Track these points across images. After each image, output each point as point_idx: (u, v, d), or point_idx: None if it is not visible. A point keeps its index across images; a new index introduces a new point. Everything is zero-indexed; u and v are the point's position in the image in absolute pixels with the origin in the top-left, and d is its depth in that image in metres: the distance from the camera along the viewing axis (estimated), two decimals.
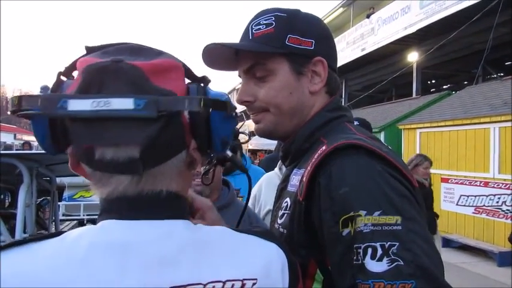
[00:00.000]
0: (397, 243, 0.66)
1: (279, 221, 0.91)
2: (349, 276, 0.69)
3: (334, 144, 0.78)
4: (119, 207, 0.61)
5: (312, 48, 0.92)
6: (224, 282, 0.59)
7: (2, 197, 4.06)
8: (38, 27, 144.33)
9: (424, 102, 11.36)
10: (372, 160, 0.76)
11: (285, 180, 0.98)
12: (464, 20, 9.53)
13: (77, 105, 0.55)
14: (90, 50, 0.65)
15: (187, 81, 0.67)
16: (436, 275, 0.65)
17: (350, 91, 17.40)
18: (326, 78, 0.94)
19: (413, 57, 12.74)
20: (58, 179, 4.40)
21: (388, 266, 0.65)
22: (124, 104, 0.55)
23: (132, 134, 0.56)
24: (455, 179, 7.53)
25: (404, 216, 0.69)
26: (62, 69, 0.64)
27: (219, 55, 0.95)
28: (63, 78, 0.64)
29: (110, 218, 0.60)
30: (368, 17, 14.24)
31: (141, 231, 0.58)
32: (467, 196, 7.21)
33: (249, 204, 2.37)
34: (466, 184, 7.25)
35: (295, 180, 0.90)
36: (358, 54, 14.53)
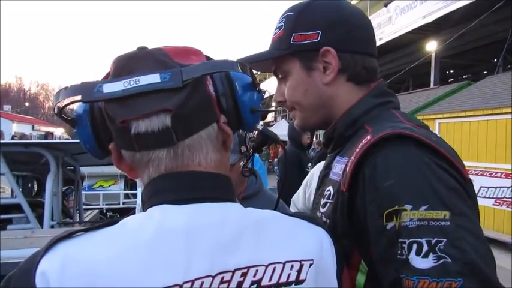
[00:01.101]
0: (445, 240, 0.64)
1: (322, 210, 0.91)
2: (393, 270, 0.68)
3: (379, 133, 0.76)
4: (169, 188, 0.63)
5: (318, 40, 0.91)
6: (284, 264, 0.61)
7: (29, 185, 4.13)
8: (54, 21, 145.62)
9: (443, 92, 11.18)
10: (419, 151, 0.73)
11: (327, 167, 0.97)
12: (485, 8, 9.32)
13: (111, 87, 0.60)
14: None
15: None
16: (485, 273, 0.63)
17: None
18: (338, 66, 0.91)
19: (431, 46, 12.53)
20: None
21: (435, 262, 0.64)
22: (151, 79, 0.60)
23: (162, 103, 0.59)
24: (475, 171, 7.42)
25: (453, 211, 0.67)
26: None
27: (257, 63, 1.01)
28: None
29: (164, 201, 0.61)
30: (386, 5, 14.01)
31: (202, 216, 0.60)
32: (488, 188, 7.11)
33: (301, 188, 2.40)
34: (486, 175, 7.14)
35: (337, 168, 0.89)
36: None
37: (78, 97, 0.61)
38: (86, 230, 0.59)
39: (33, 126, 34.84)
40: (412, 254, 0.66)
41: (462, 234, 0.65)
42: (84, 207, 6.72)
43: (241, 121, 0.71)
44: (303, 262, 0.62)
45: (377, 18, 14.48)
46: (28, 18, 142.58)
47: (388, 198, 0.71)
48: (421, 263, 0.65)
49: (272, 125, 22.69)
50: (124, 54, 0.64)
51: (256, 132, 0.87)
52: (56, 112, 0.64)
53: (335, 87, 0.94)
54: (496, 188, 6.95)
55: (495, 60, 12.53)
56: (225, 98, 0.68)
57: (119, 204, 6.69)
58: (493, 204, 6.99)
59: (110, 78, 0.63)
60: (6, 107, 45.59)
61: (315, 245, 0.66)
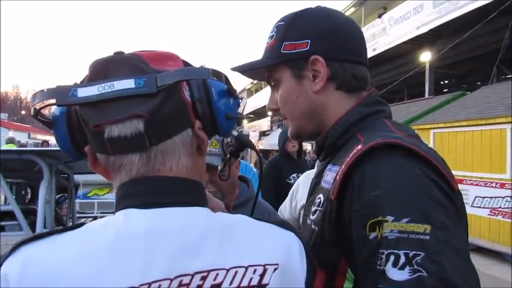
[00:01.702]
0: (423, 254, 0.63)
1: (312, 217, 0.91)
2: (372, 279, 0.68)
3: (370, 143, 0.76)
4: (138, 193, 0.63)
5: (307, 48, 0.92)
6: (246, 268, 0.61)
7: (22, 192, 4.11)
8: (51, 29, 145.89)
9: (438, 102, 11.26)
10: (409, 161, 0.73)
11: (319, 176, 0.97)
12: (478, 19, 9.45)
13: (85, 91, 0.60)
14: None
15: None
16: None
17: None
18: (326, 74, 0.91)
19: (425, 57, 12.65)
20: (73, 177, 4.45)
21: (410, 275, 0.63)
22: (126, 84, 0.60)
23: (135, 108, 0.60)
24: (470, 180, 7.44)
25: (434, 225, 0.66)
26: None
27: (251, 71, 1.03)
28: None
29: (131, 205, 0.62)
30: (380, 16, 14.17)
31: (164, 220, 0.61)
32: (483, 198, 7.13)
33: (287, 198, 2.40)
34: (481, 185, 7.17)
35: (329, 176, 0.89)
36: (369, 54, 14.28)
37: (53, 100, 0.62)
38: (50, 233, 0.60)
39: (29, 135, 34.83)
40: (389, 265, 0.65)
41: (441, 249, 0.64)
42: (78, 215, 6.72)
43: (216, 127, 0.72)
44: (267, 266, 0.62)
45: (371, 29, 14.63)
46: (25, 27, 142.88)
47: (372, 208, 0.71)
48: (397, 274, 0.64)
49: (268, 134, 22.72)
50: (100, 59, 0.65)
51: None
52: (32, 114, 0.65)
53: (325, 96, 0.94)
54: (491, 198, 6.97)
55: (489, 70, 12.63)
56: (200, 104, 0.69)
57: (113, 212, 6.64)
58: (488, 214, 7.01)
59: (86, 82, 0.63)
60: (3, 115, 45.53)
61: (282, 250, 0.65)
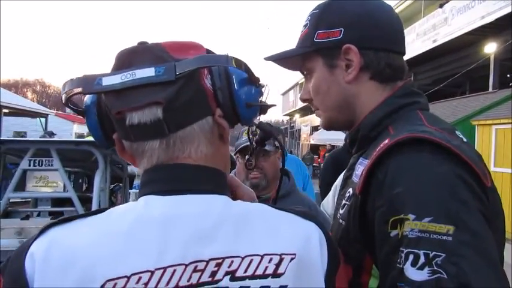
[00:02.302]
0: (444, 255, 0.62)
1: (341, 211, 0.90)
2: (391, 277, 0.67)
3: (396, 138, 0.75)
4: (158, 179, 0.66)
5: (340, 37, 0.90)
6: (262, 256, 0.61)
7: (80, 181, 4.37)
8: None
9: (502, 96, 10.56)
10: (435, 157, 0.71)
11: (351, 169, 0.96)
12: None
13: (110, 80, 0.64)
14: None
15: None
16: None
17: (419, 85, 16.62)
18: (360, 63, 0.89)
19: (490, 48, 11.87)
20: (129, 168, 4.66)
21: (429, 276, 0.62)
22: (146, 72, 0.63)
23: (153, 96, 0.63)
24: None
25: (458, 226, 0.64)
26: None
27: (285, 60, 1.02)
28: None
29: (152, 192, 0.65)
30: (441, 6, 13.46)
31: (181, 206, 0.63)
32: None
33: (330, 193, 2.38)
34: None
35: (359, 170, 0.87)
36: (429, 46, 13.82)
37: (80, 89, 0.66)
38: (76, 217, 0.64)
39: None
40: (408, 264, 0.65)
41: (464, 252, 0.62)
42: None
43: (237, 115, 0.72)
44: (283, 256, 0.62)
45: (432, 20, 13.97)
46: (97, 22, 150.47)
47: (394, 205, 0.70)
48: (415, 274, 0.63)
49: (319, 129, 22.46)
50: (126, 49, 0.68)
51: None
52: (63, 102, 0.69)
53: (357, 86, 0.92)
54: None
55: None
56: (221, 92, 0.70)
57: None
58: None
59: (111, 71, 0.66)
60: (68, 109, 48.22)
61: (300, 240, 0.65)
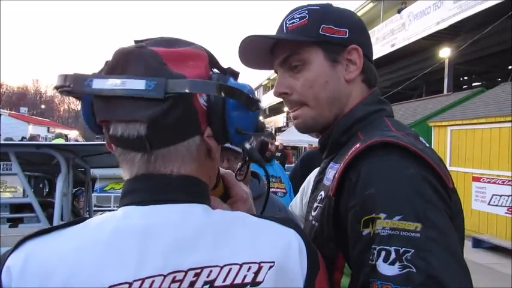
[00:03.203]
0: (412, 250, 0.66)
1: (313, 214, 0.93)
2: (363, 273, 0.70)
3: (367, 142, 0.78)
4: (138, 190, 0.65)
5: (346, 36, 0.93)
6: (241, 265, 0.61)
7: (40, 185, 4.22)
8: (72, 25, 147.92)
9: (456, 99, 11.06)
10: (403, 160, 0.75)
11: (322, 173, 0.99)
12: (499, 14, 9.22)
13: (100, 84, 0.62)
14: (136, 42, 0.71)
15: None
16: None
17: (378, 88, 17.05)
18: (362, 66, 0.95)
19: (445, 53, 12.41)
20: (91, 171, 4.54)
21: (400, 271, 0.65)
22: (137, 84, 0.60)
23: (140, 112, 0.61)
24: (487, 178, 7.32)
25: (425, 223, 0.68)
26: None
27: (254, 52, 0.98)
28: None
29: (131, 202, 0.64)
30: (399, 12, 13.94)
31: (160, 216, 0.62)
32: (500, 196, 7.00)
33: (298, 195, 2.41)
34: (498, 183, 7.04)
35: (330, 174, 0.91)
36: (387, 50, 14.26)
37: (70, 87, 0.64)
38: (53, 229, 0.63)
39: (48, 129, 35.44)
40: (380, 261, 0.68)
41: (430, 247, 0.66)
42: (95, 208, 6.85)
43: (227, 138, 0.71)
44: (262, 264, 0.61)
45: (390, 25, 14.42)
46: (46, 22, 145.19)
47: (366, 205, 0.73)
48: (387, 269, 0.67)
49: (284, 130, 22.67)
50: (122, 50, 0.65)
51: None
52: (58, 91, 0.67)
53: (352, 86, 0.96)
54: (509, 196, 6.84)
55: (510, 67, 12.35)
56: (214, 112, 0.68)
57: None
58: (506, 213, 6.88)
59: (104, 72, 0.65)
60: (23, 109, 46.40)
61: (279, 247, 0.65)
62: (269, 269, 0.62)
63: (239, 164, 0.94)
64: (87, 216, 3.67)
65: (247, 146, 0.81)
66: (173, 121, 0.63)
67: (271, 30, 1.02)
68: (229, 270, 0.60)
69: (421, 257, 0.65)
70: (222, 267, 0.60)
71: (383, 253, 0.68)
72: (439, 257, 0.65)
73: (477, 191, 7.52)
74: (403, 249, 0.66)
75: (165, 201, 0.64)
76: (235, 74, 0.72)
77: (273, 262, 0.62)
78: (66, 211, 3.49)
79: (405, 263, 0.65)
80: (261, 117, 0.77)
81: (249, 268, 0.61)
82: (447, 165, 7.55)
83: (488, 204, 7.21)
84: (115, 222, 0.61)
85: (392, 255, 0.67)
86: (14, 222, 3.51)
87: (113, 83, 0.61)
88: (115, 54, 0.65)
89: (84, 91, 0.63)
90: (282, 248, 0.65)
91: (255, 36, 0.93)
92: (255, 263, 0.61)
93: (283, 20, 0.97)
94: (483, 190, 7.39)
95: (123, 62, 0.63)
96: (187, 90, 0.61)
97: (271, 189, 3.12)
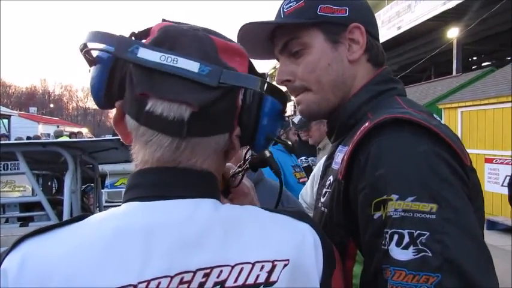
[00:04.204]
0: (428, 233, 0.62)
1: (322, 200, 0.89)
2: (376, 259, 0.67)
3: (376, 120, 0.74)
4: (142, 184, 0.61)
5: (347, 15, 0.88)
6: (253, 264, 0.57)
7: (49, 183, 4.23)
8: (77, 24, 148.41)
9: (466, 80, 10.91)
10: (416, 137, 0.70)
11: (330, 157, 0.95)
12: None
13: (147, 54, 0.58)
14: (165, 21, 0.67)
15: None
16: (468, 272, 0.60)
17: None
18: (365, 44, 0.89)
19: (453, 33, 12.21)
20: (100, 167, 4.55)
21: (414, 255, 0.62)
22: (190, 65, 0.58)
23: (189, 95, 0.57)
24: (500, 159, 7.22)
25: (441, 204, 0.64)
26: (136, 31, 0.67)
27: (253, 42, 0.94)
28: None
29: (134, 197, 0.60)
30: None
31: (164, 213, 0.58)
32: None
33: (308, 183, 2.38)
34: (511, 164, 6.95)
35: (339, 157, 0.87)
36: (394, 33, 14.07)
37: (111, 48, 0.60)
38: (52, 227, 0.59)
39: (58, 127, 35.75)
40: (392, 245, 0.64)
41: (448, 229, 0.62)
42: (107, 204, 6.91)
43: (253, 141, 0.68)
44: (276, 262, 0.58)
45: (395, 7, 14.21)
46: (52, 21, 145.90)
47: (377, 187, 0.69)
48: (400, 254, 0.63)
49: (292, 118, 22.61)
50: (173, 26, 0.62)
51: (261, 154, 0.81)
52: (80, 48, 0.63)
53: (357, 67, 0.91)
54: None
55: None
56: (248, 114, 0.65)
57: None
58: None
59: (149, 42, 0.60)
60: (32, 109, 46.89)
61: (293, 244, 0.61)
62: (283, 268, 0.58)
63: (234, 170, 0.86)
64: (98, 212, 3.73)
65: (267, 153, 0.77)
66: (218, 112, 0.60)
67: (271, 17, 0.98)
68: (241, 269, 0.56)
69: (437, 240, 0.61)
70: (233, 267, 0.56)
71: (396, 237, 0.64)
72: (457, 240, 0.62)
73: (490, 172, 7.42)
74: (418, 232, 0.63)
75: (171, 196, 0.60)
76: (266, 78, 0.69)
77: (288, 260, 0.58)
78: (75, 208, 3.50)
79: (420, 246, 0.62)
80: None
81: (262, 267, 0.57)
82: None
83: (502, 185, 7.11)
84: (116, 221, 0.58)
85: (406, 239, 0.63)
86: (24, 221, 3.54)
87: (163, 57, 0.58)
88: (164, 29, 0.61)
89: (128, 58, 0.59)
90: (296, 245, 0.61)
91: (250, 24, 0.89)
92: (268, 261, 0.58)
93: (281, 5, 0.93)
94: (496, 171, 7.29)
95: (173, 38, 0.60)
96: (243, 86, 0.60)
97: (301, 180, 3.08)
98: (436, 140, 0.70)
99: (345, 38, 0.89)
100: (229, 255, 0.57)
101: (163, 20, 0.67)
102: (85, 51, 0.63)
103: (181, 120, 0.58)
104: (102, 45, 0.62)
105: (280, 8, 0.93)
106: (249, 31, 0.91)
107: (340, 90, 0.91)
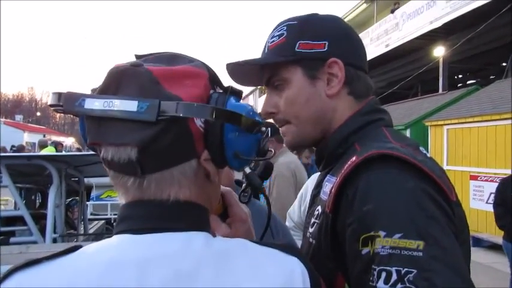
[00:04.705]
0: (415, 271, 0.61)
1: (310, 230, 0.89)
2: None
3: (364, 155, 0.74)
4: (133, 217, 0.61)
5: (325, 49, 0.89)
6: None
7: (32, 197, 4.16)
8: (65, 32, 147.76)
9: (451, 97, 11.08)
10: (402, 174, 0.71)
11: (318, 186, 0.95)
12: (492, 12, 9.25)
13: (92, 104, 0.59)
14: (137, 57, 0.68)
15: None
16: None
17: (374, 88, 17.09)
18: (343, 79, 0.89)
19: (439, 51, 12.44)
20: (86, 179, 4.49)
21: None
22: (129, 106, 0.57)
23: (131, 136, 0.57)
24: (484, 177, 7.32)
25: (427, 241, 0.63)
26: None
27: (244, 73, 0.97)
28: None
29: (126, 230, 0.60)
30: (392, 12, 13.97)
31: (157, 246, 0.58)
32: None
33: (296, 201, 2.36)
34: (496, 181, 6.99)
35: (327, 187, 0.86)
36: (382, 50, 14.29)
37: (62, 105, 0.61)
38: (45, 259, 0.58)
39: (44, 136, 35.36)
40: (380, 282, 0.63)
41: (434, 267, 0.62)
42: (92, 217, 6.81)
43: (225, 162, 0.67)
44: None
45: (384, 25, 14.46)
46: (39, 29, 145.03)
47: (364, 223, 0.69)
48: None
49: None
50: (116, 68, 0.62)
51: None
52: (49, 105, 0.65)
53: (336, 101, 0.91)
54: None
55: (504, 64, 12.38)
56: (212, 135, 0.64)
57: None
58: None
59: (97, 91, 0.61)
60: (18, 117, 46.34)
61: (282, 277, 0.61)
62: None
63: (243, 186, 0.86)
64: (82, 226, 3.64)
65: (247, 170, 0.75)
66: (165, 145, 0.59)
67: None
68: None
69: (424, 278, 0.61)
70: None
71: (383, 274, 0.63)
72: (444, 277, 0.61)
73: (475, 189, 7.51)
74: (405, 269, 0.62)
75: (162, 229, 0.60)
76: (237, 93, 0.68)
77: None
78: (59, 223, 3.45)
79: (407, 284, 0.61)
80: (266, 139, 0.72)
81: None
82: (444, 165, 7.62)
83: (486, 202, 7.20)
84: (109, 253, 0.57)
85: (394, 276, 0.62)
86: (5, 236, 3.46)
87: (105, 103, 0.58)
88: (109, 72, 0.61)
89: (75, 111, 0.60)
90: (285, 278, 0.61)
91: (234, 64, 0.93)
92: None
93: (267, 39, 0.95)
94: (481, 188, 7.39)
95: (116, 81, 0.60)
96: (180, 114, 0.57)
97: None
98: (422, 177, 0.71)
99: (324, 73, 0.90)
100: (223, 286, 0.57)
101: (136, 56, 0.68)
102: (55, 110, 0.65)
103: (131, 161, 0.58)
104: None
105: (266, 40, 0.95)
106: (237, 68, 0.94)
107: (319, 124, 0.92)
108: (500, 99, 7.95)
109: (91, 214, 6.95)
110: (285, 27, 0.92)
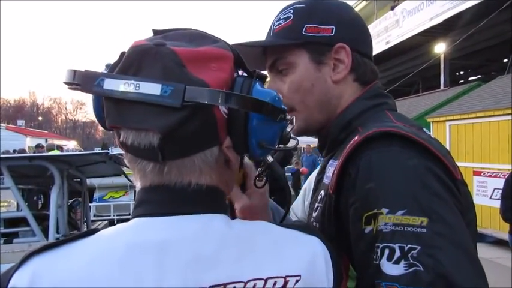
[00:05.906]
0: (419, 247, 0.61)
1: (314, 214, 0.89)
2: (368, 275, 0.66)
3: (365, 133, 0.73)
4: (152, 201, 0.60)
5: (332, 34, 0.88)
6: (265, 280, 0.56)
7: (35, 198, 4.17)
8: (67, 37, 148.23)
9: (453, 93, 11.07)
10: (405, 151, 0.70)
11: (322, 172, 0.94)
12: (493, 8, 9.22)
13: (111, 84, 0.56)
14: (155, 33, 0.65)
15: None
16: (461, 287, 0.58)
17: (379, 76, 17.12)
18: (350, 65, 0.88)
19: (440, 48, 12.41)
20: (88, 181, 4.50)
21: (405, 270, 0.60)
22: (152, 89, 0.54)
23: (154, 121, 0.55)
24: (488, 172, 7.29)
25: (431, 217, 0.63)
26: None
27: (247, 55, 0.93)
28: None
29: (145, 213, 0.59)
30: (392, 9, 13.94)
31: (177, 229, 0.57)
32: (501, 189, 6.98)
33: (300, 196, 2.35)
34: (499, 177, 6.99)
35: (330, 171, 0.86)
36: (382, 47, 14.26)
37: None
38: (62, 242, 0.57)
39: (46, 140, 35.44)
40: (384, 260, 0.63)
41: (439, 243, 0.61)
42: (95, 218, 6.83)
43: (247, 150, 0.64)
44: (288, 278, 0.57)
45: (384, 22, 14.43)
46: (41, 34, 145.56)
47: (367, 201, 0.68)
48: (392, 269, 0.62)
49: None
50: (138, 47, 0.59)
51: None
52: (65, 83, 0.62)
53: (342, 87, 0.90)
54: None
55: (505, 60, 12.35)
56: (236, 122, 0.61)
57: (129, 214, 6.71)
58: None
59: (117, 70, 0.59)
60: (20, 122, 46.50)
61: (305, 259, 0.60)
62: (295, 283, 0.57)
63: (259, 170, 0.85)
64: (85, 226, 3.64)
65: (270, 159, 0.74)
66: (190, 132, 0.57)
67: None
68: (254, 285, 0.55)
69: (428, 254, 0.60)
70: (245, 283, 0.55)
71: (387, 251, 0.63)
72: (449, 254, 0.60)
73: (478, 185, 7.48)
74: (409, 246, 0.61)
75: (181, 212, 0.59)
76: (262, 78, 0.66)
77: (299, 276, 0.58)
78: (62, 223, 3.44)
79: (411, 261, 0.60)
80: (289, 128, 0.69)
81: (275, 283, 0.56)
82: None
83: (490, 198, 7.17)
84: (128, 235, 0.57)
85: (397, 253, 0.62)
86: (8, 237, 3.46)
87: (126, 85, 0.55)
88: (130, 51, 0.59)
89: (94, 91, 0.58)
90: (308, 260, 0.60)
91: (238, 45, 0.88)
92: (281, 277, 0.57)
93: (273, 21, 0.93)
94: (484, 184, 7.36)
95: (138, 61, 0.57)
96: (206, 101, 0.54)
97: None
98: (426, 154, 0.70)
99: (330, 58, 0.89)
100: (243, 271, 0.56)
101: (154, 31, 0.65)
102: (70, 88, 0.63)
103: (152, 147, 0.56)
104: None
105: (271, 24, 0.93)
106: (240, 50, 0.91)
107: (325, 109, 0.91)
108: (503, 95, 7.93)
109: (94, 215, 6.98)
110: (292, 10, 0.90)
